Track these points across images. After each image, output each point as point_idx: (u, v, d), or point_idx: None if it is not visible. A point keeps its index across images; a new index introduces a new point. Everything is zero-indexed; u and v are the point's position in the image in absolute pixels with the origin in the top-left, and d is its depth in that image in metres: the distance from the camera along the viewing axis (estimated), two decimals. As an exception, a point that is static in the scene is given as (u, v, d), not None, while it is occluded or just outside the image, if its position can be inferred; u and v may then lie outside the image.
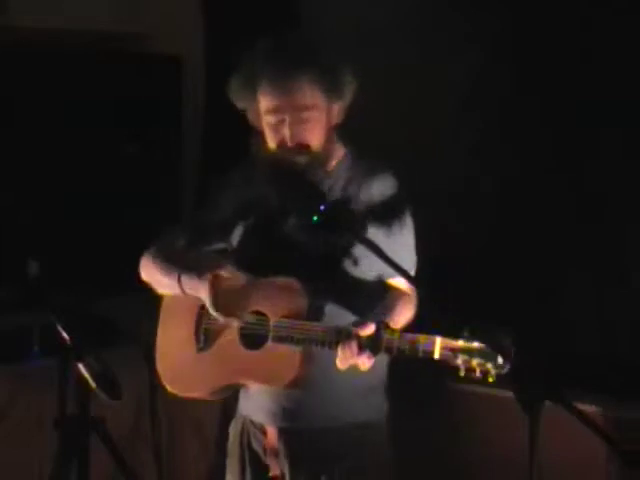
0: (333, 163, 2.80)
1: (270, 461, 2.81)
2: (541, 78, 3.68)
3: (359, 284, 2.70)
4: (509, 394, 2.22)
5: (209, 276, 2.68)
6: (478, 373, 2.36)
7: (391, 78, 3.99)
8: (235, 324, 2.71)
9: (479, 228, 3.82)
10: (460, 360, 2.38)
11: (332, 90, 2.72)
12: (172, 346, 2.90)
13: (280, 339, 2.63)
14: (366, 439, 2.78)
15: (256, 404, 2.83)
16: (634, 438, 2.58)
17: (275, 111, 2.70)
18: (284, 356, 2.63)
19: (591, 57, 3.56)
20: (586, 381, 3.44)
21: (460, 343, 2.38)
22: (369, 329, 2.50)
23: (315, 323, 2.60)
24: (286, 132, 2.70)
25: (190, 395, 2.87)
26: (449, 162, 3.89)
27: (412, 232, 2.79)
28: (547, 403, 2.19)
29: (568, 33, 3.61)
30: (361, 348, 2.51)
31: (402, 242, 2.76)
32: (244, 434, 2.87)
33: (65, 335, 2.84)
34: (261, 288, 2.71)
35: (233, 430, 2.93)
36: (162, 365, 2.92)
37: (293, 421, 2.77)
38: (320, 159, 2.74)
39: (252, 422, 2.85)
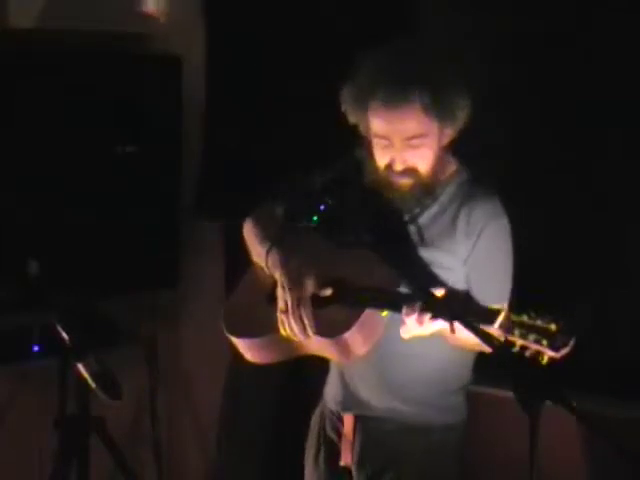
0: (441, 180, 2.75)
1: (344, 449, 2.81)
2: (541, 78, 3.68)
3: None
4: (509, 394, 2.22)
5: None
6: (532, 350, 2.30)
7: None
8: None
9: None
10: (517, 332, 2.32)
11: (445, 116, 2.65)
12: (247, 293, 2.84)
13: (346, 299, 2.59)
14: (443, 441, 2.79)
15: (332, 391, 2.87)
16: (634, 438, 2.57)
17: (385, 137, 2.65)
18: (343, 315, 2.58)
19: (591, 57, 3.56)
20: (586, 381, 3.44)
21: (523, 318, 2.34)
22: (440, 291, 2.49)
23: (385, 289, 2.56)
24: (394, 156, 2.66)
25: (243, 338, 2.76)
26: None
27: (508, 262, 2.73)
28: (547, 403, 2.20)
29: (568, 33, 3.61)
30: (424, 310, 2.46)
31: (491, 274, 2.71)
32: (322, 420, 2.90)
33: (65, 335, 2.84)
34: (342, 256, 2.66)
35: (315, 417, 2.95)
36: (230, 305, 2.85)
37: (366, 410, 2.78)
38: (425, 182, 2.69)
39: (331, 410, 2.88)
